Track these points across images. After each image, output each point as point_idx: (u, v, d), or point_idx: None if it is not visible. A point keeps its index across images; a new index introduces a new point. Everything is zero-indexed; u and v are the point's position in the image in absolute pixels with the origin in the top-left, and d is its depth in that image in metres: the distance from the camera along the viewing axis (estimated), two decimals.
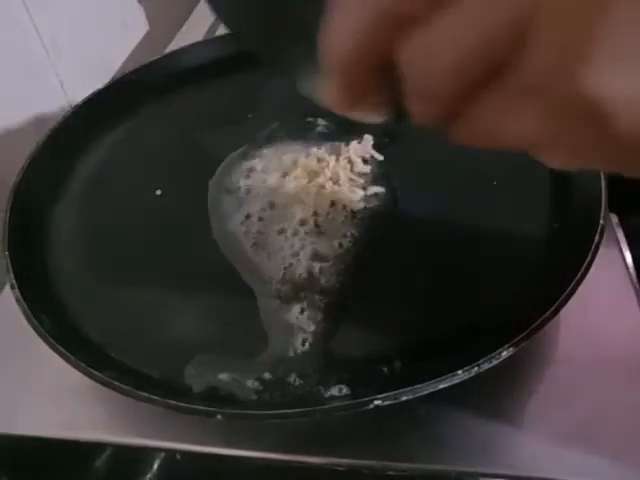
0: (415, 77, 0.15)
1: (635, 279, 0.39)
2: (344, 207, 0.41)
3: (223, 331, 0.35)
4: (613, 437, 0.32)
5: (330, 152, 0.44)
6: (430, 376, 0.28)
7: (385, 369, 0.32)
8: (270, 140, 0.48)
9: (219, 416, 0.28)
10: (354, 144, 0.45)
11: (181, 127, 0.50)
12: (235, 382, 0.32)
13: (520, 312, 0.33)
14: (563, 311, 0.30)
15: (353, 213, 0.40)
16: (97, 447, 0.36)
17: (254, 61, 0.59)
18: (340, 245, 0.39)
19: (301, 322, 0.35)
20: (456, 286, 0.36)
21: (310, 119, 0.49)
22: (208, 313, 0.36)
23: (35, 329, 0.32)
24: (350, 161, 0.44)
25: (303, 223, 0.40)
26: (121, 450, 0.35)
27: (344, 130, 0.46)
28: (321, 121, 0.49)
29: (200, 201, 0.43)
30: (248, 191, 0.43)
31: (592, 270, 0.31)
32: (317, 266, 0.37)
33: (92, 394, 0.35)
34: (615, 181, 0.58)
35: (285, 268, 0.37)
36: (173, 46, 0.70)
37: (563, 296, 0.30)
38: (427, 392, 0.27)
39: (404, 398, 0.27)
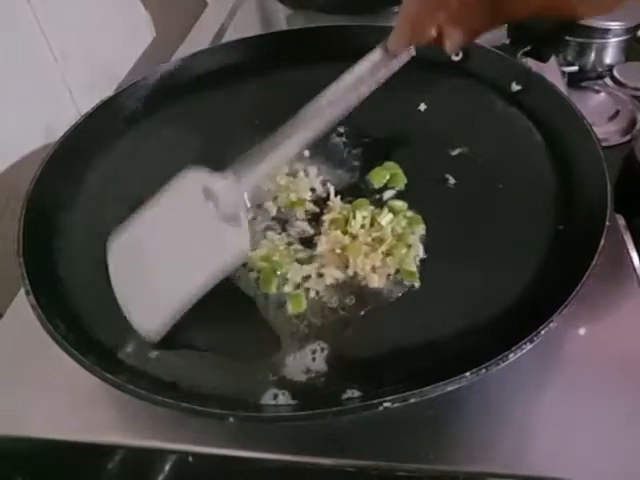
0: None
1: None
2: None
3: (236, 335, 0.35)
4: (619, 437, 0.32)
5: None
6: (438, 378, 0.28)
7: (394, 372, 0.32)
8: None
9: (232, 418, 0.28)
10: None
11: (190, 133, 0.50)
12: (247, 386, 0.32)
13: (526, 314, 0.33)
14: (569, 312, 0.30)
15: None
16: (110, 449, 0.37)
17: (260, 68, 0.60)
18: None
19: (311, 325, 0.35)
20: (461, 290, 0.36)
21: None
22: (222, 318, 0.36)
23: (50, 334, 0.32)
24: None
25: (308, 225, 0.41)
26: (134, 452, 0.36)
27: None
28: None
29: None
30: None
31: (599, 271, 0.32)
32: (328, 271, 0.38)
33: (105, 397, 0.36)
34: (622, 183, 0.58)
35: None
36: (180, 53, 0.70)
37: (569, 298, 0.30)
38: (435, 394, 0.28)
39: (413, 400, 0.28)
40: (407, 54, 0.37)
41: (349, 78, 0.37)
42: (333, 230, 0.39)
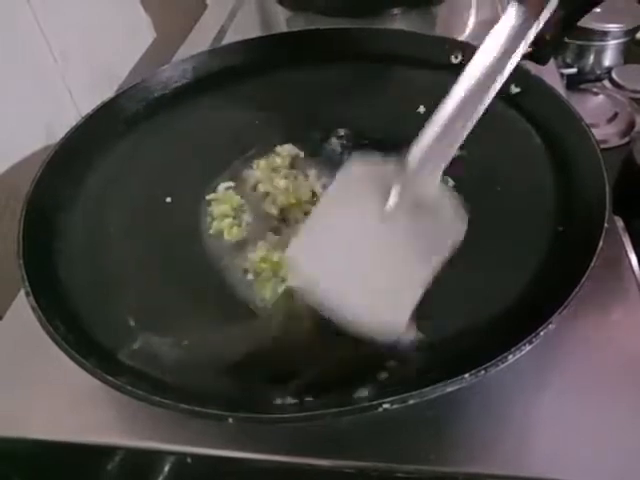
0: None
1: None
2: None
3: (235, 337, 0.35)
4: (618, 438, 0.32)
5: None
6: (437, 380, 0.28)
7: (393, 373, 0.32)
8: (276, 146, 0.48)
9: (230, 420, 0.28)
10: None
11: (190, 134, 0.51)
12: (246, 388, 0.32)
13: (526, 314, 0.33)
14: (569, 313, 0.30)
15: None
16: (109, 451, 0.37)
17: (260, 69, 0.60)
18: None
19: None
20: (460, 291, 0.36)
21: (314, 127, 0.50)
22: (221, 320, 0.37)
23: (50, 336, 0.32)
24: None
25: None
26: (133, 453, 0.36)
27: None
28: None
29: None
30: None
31: (598, 273, 0.32)
32: None
33: (105, 398, 0.36)
34: (620, 184, 0.58)
35: None
36: (180, 55, 0.70)
37: (568, 299, 0.30)
38: (435, 395, 0.28)
39: (412, 402, 0.28)
40: (547, 11, 0.32)
41: (492, 49, 0.34)
42: None
